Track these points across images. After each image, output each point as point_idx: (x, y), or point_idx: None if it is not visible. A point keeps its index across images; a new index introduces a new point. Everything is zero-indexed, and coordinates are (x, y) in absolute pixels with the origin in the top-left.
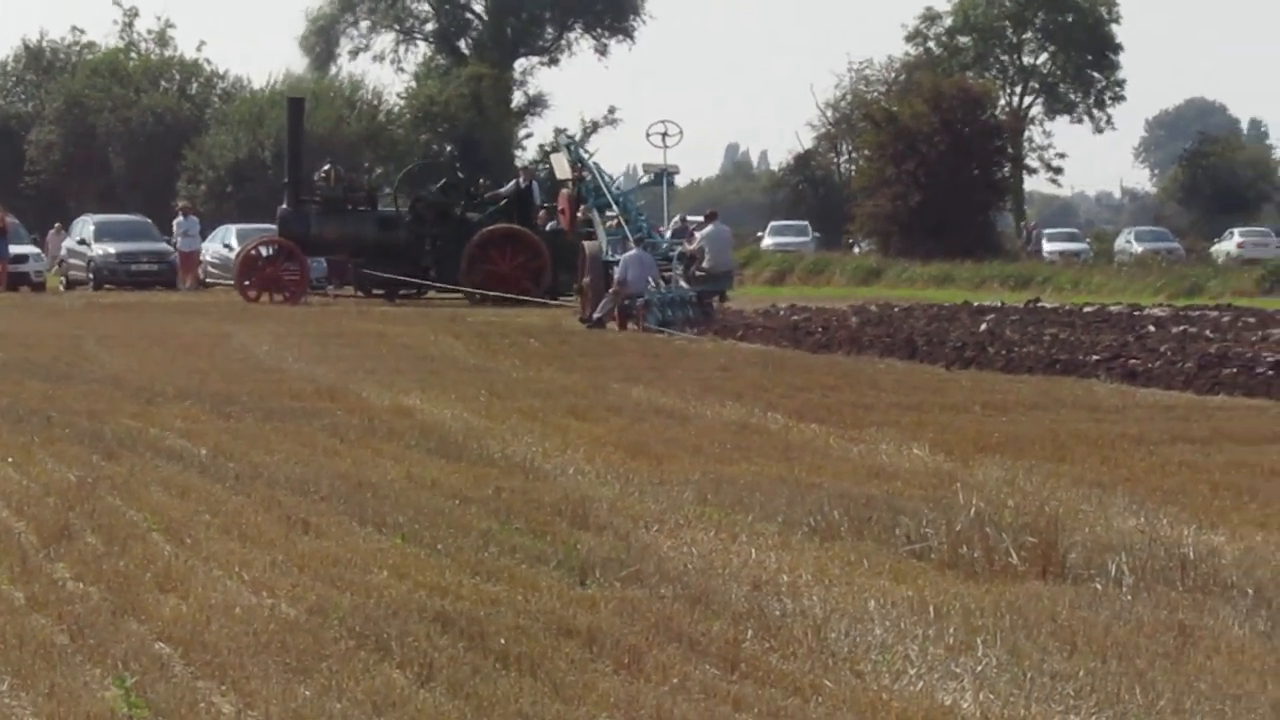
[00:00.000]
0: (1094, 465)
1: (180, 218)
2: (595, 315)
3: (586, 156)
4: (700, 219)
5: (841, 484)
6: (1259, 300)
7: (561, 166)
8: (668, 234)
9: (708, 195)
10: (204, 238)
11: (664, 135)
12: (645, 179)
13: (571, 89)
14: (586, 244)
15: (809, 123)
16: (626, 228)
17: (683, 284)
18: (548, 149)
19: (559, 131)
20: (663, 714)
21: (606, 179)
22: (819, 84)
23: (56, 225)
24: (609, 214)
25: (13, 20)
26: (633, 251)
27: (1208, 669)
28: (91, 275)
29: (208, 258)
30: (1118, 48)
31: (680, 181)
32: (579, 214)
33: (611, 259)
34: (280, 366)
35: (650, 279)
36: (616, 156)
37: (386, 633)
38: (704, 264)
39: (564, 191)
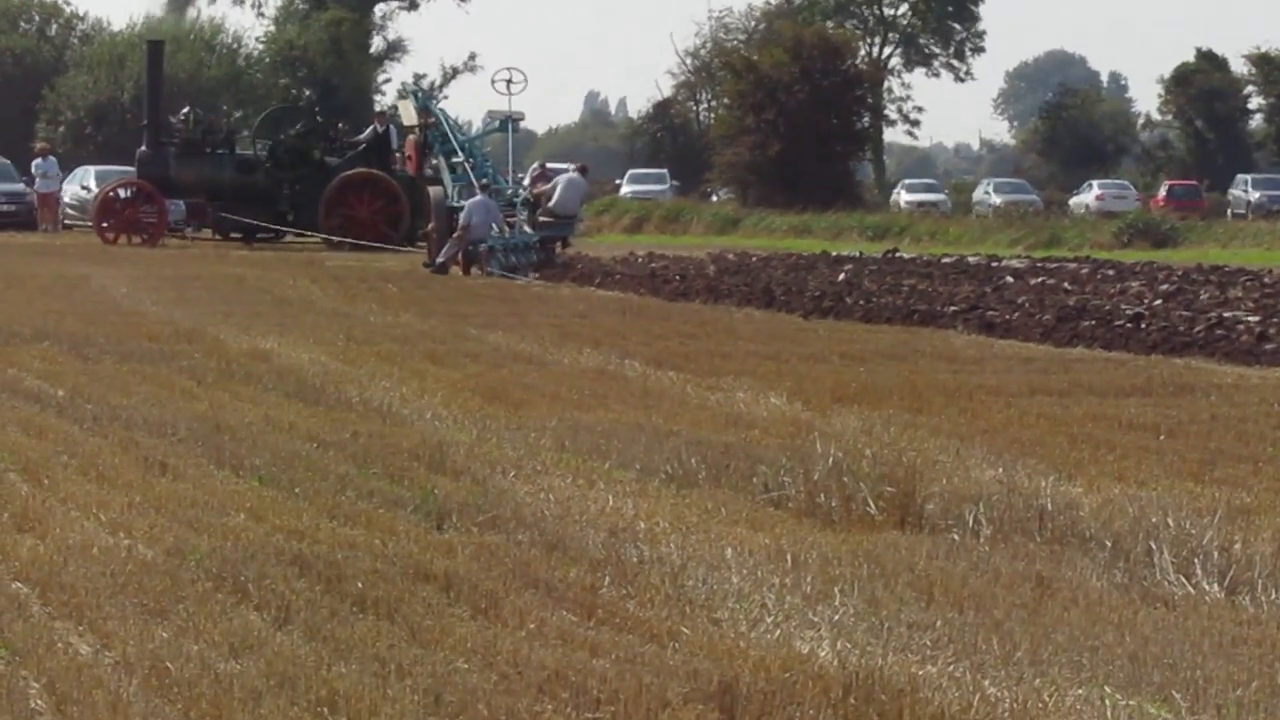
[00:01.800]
0: (952, 416)
1: (39, 159)
2: (439, 260)
3: (434, 104)
4: (564, 166)
5: (699, 432)
6: (1117, 253)
7: (408, 113)
8: (526, 181)
9: (566, 142)
10: (63, 179)
11: (509, 82)
12: (492, 125)
13: (432, 34)
14: (431, 190)
15: (669, 71)
16: (471, 174)
17: (526, 229)
18: (400, 94)
19: (418, 78)
20: (520, 659)
21: (454, 125)
22: (679, 32)
23: None
24: (455, 160)
25: None
26: (477, 198)
27: (1065, 620)
28: None
29: (66, 199)
30: None
31: (539, 129)
32: (431, 161)
33: (456, 205)
34: (138, 309)
35: (494, 225)
36: (476, 103)
37: (244, 575)
38: (550, 203)
39: (410, 138)
